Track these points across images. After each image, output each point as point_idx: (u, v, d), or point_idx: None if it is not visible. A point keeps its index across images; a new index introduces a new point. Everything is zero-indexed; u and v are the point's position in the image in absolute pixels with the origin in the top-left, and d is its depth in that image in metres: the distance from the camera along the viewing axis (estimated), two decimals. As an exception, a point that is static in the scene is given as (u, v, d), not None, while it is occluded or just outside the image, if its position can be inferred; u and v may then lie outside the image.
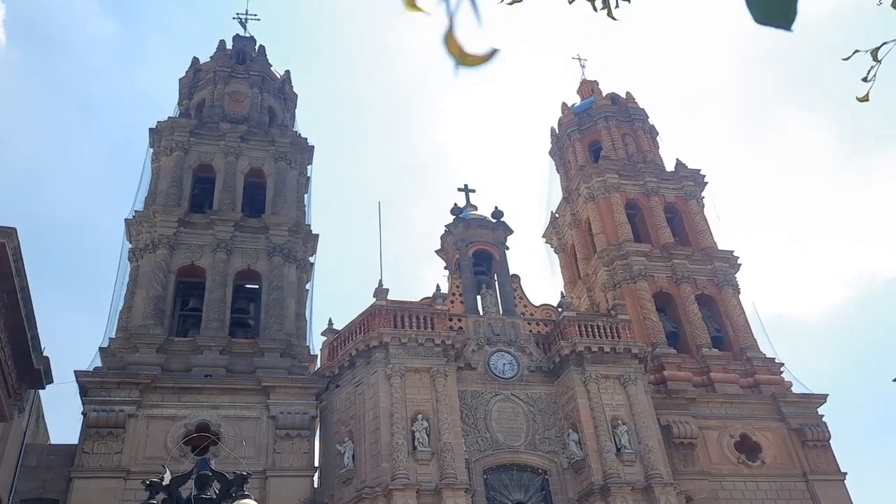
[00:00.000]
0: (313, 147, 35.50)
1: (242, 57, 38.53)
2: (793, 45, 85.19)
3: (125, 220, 30.47)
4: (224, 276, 29.05)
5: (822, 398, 30.25)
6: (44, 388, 23.47)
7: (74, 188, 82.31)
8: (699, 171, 37.76)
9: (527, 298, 30.20)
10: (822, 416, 29.94)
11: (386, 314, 26.33)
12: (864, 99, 4.87)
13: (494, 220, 31.86)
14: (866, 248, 77.96)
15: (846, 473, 28.69)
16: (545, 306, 30.09)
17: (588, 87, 44.30)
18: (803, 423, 29.17)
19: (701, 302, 33.04)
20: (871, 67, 4.71)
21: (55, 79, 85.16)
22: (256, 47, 39.50)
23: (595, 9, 4.13)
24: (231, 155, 32.95)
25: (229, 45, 38.96)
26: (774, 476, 27.99)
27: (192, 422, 24.46)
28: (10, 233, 18.04)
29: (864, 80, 4.76)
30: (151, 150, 33.55)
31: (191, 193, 32.02)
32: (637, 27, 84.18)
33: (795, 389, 30.60)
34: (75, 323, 69.62)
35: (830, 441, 29.34)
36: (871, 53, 4.70)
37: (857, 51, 4.84)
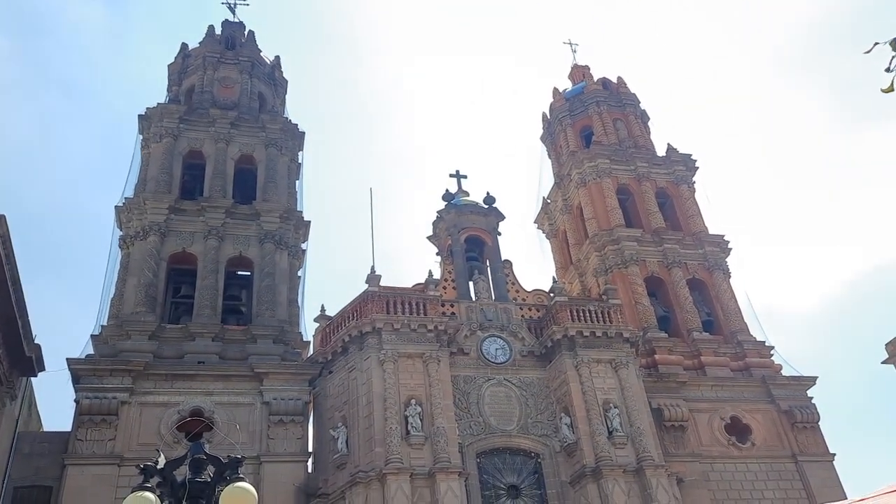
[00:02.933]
0: (304, 133, 35.40)
1: (232, 42, 38.28)
2: (785, 24, 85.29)
3: (115, 207, 30.31)
4: (216, 263, 28.99)
5: (812, 380, 30.54)
6: (35, 376, 23.48)
7: (64, 174, 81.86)
8: (690, 155, 37.87)
9: (519, 284, 30.28)
10: (812, 398, 30.25)
11: (378, 300, 26.36)
12: (890, 89, 4.89)
13: (486, 206, 31.89)
14: (857, 234, 78.45)
15: (835, 454, 29.06)
16: (537, 291, 30.19)
17: (579, 72, 44.28)
18: (793, 406, 29.46)
19: (692, 286, 33.24)
20: (893, 57, 4.73)
21: (41, 64, 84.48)
22: (246, 32, 39.26)
23: None
24: (221, 141, 32.78)
25: (218, 31, 38.70)
26: (764, 457, 28.29)
27: (185, 408, 24.48)
28: None
29: (888, 70, 4.78)
30: (141, 137, 33.34)
31: (181, 180, 31.88)
32: (629, 10, 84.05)
33: (785, 372, 30.90)
34: (67, 311, 69.45)
35: (819, 423, 29.67)
36: (891, 44, 4.73)
37: (876, 43, 4.85)
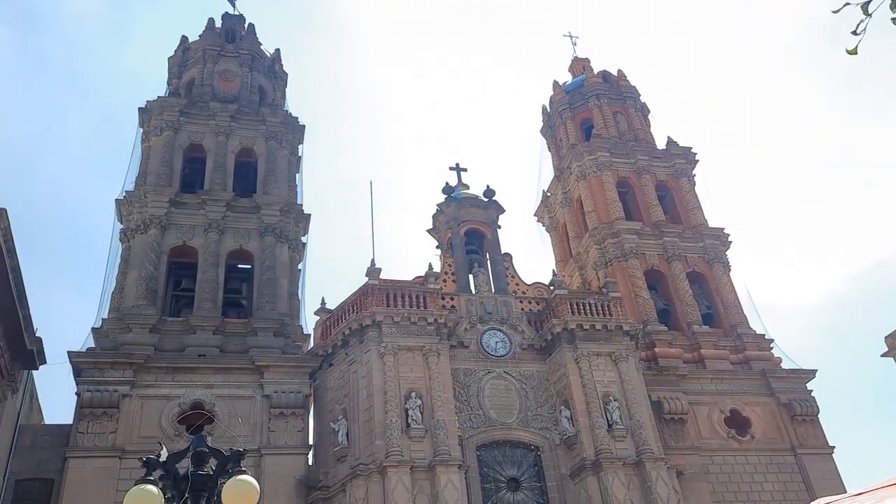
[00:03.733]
0: (304, 126, 35.35)
1: (232, 35, 38.20)
2: (786, 17, 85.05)
3: (116, 200, 30.31)
4: (216, 257, 29.00)
5: (811, 373, 30.59)
6: (37, 369, 23.54)
7: (65, 167, 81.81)
8: (690, 148, 37.83)
9: (519, 277, 30.28)
10: (811, 391, 30.32)
11: (378, 293, 26.38)
12: (853, 52, 4.87)
13: (486, 199, 31.87)
14: (858, 228, 78.44)
15: (834, 447, 29.14)
16: (537, 284, 30.20)
17: (579, 65, 44.17)
18: (792, 399, 29.52)
19: (692, 279, 33.25)
20: (861, 21, 4.71)
21: (42, 55, 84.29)
22: (246, 25, 39.19)
23: None
24: (221, 134, 32.76)
25: (218, 24, 38.65)
26: (764, 450, 28.36)
27: (186, 401, 24.55)
28: (0, 213, 17.97)
29: (854, 33, 4.76)
30: (141, 130, 33.31)
31: (182, 173, 31.86)
32: (629, 3, 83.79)
33: (785, 365, 30.95)
34: (68, 303, 69.44)
35: (819, 415, 29.73)
36: (862, 7, 4.70)
37: (847, 3, 4.81)
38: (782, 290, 77.51)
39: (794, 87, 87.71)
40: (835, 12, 4.92)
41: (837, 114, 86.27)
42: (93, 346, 25.68)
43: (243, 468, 8.90)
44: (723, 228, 34.88)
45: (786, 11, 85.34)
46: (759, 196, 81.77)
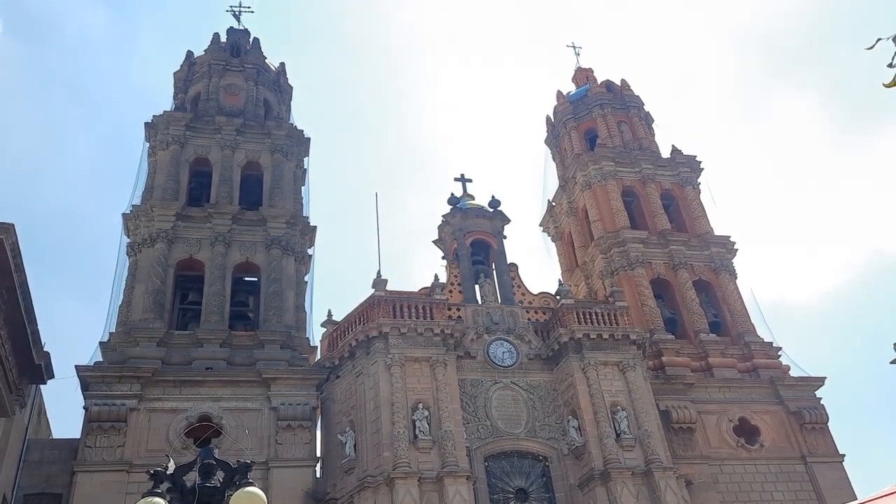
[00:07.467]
0: (309, 139, 35.54)
1: (237, 50, 38.48)
2: (786, 24, 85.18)
3: (123, 214, 30.48)
4: (223, 269, 29.10)
5: (820, 381, 30.43)
6: (45, 383, 23.53)
7: (71, 181, 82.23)
8: (695, 157, 37.81)
9: (525, 287, 30.29)
10: (820, 398, 30.14)
11: (385, 304, 26.40)
12: (892, 84, 4.90)
13: (491, 210, 31.91)
14: (864, 229, 78.11)
15: (844, 455, 28.93)
16: (543, 294, 30.19)
17: (583, 75, 44.30)
18: (801, 406, 29.35)
19: (698, 288, 33.15)
20: (895, 54, 4.75)
21: (48, 70, 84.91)
22: (251, 40, 39.45)
23: None
24: (227, 148, 32.95)
25: (223, 38, 38.96)
26: (773, 459, 28.18)
27: (193, 414, 24.56)
28: (8, 228, 18.00)
29: (890, 65, 4.79)
30: (147, 145, 33.50)
31: (188, 187, 32.03)
32: (631, 12, 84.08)
33: (793, 373, 30.79)
34: (75, 317, 69.63)
35: (829, 423, 29.54)
36: (894, 40, 4.75)
37: (879, 39, 4.86)
38: (790, 295, 77.23)
39: (796, 91, 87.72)
40: (868, 49, 4.94)
41: (840, 114, 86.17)
42: (100, 359, 25.74)
43: (251, 480, 8.92)
44: (728, 236, 34.82)
45: (788, 18, 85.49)
46: (764, 200, 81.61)
